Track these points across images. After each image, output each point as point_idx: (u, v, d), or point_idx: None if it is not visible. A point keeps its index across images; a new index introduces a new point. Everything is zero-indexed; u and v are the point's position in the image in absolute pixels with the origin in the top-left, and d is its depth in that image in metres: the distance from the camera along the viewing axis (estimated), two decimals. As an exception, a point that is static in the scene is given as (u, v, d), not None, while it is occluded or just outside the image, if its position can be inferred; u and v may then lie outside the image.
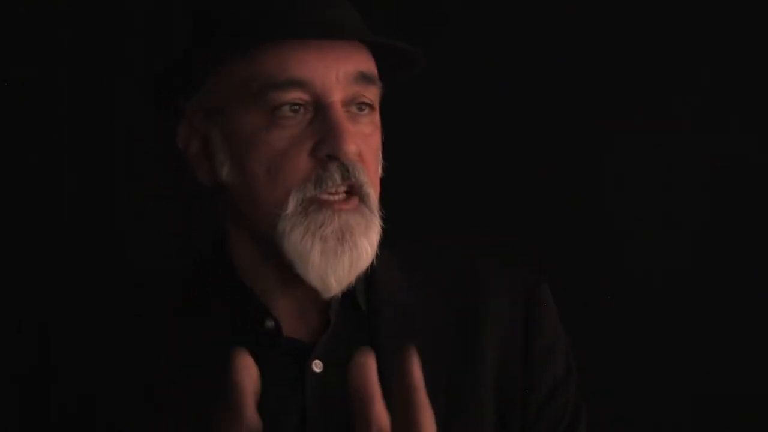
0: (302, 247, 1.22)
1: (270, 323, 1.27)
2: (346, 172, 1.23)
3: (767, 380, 1.90)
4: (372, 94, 1.27)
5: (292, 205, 1.22)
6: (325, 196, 1.23)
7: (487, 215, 1.91)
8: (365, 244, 1.24)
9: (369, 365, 0.95)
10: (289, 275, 1.26)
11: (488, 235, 1.87)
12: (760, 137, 1.92)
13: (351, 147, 1.22)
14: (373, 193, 1.26)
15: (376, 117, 1.29)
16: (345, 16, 1.27)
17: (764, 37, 1.92)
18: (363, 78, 1.25)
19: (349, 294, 1.28)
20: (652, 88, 1.92)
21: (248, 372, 0.95)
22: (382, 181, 1.30)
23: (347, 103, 1.25)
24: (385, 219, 1.28)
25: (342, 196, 1.24)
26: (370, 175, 1.26)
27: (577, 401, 1.34)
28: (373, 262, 1.27)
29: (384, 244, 1.27)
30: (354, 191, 1.24)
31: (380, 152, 1.30)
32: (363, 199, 1.24)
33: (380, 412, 0.96)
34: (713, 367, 1.90)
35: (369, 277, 1.29)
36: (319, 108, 1.23)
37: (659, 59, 1.92)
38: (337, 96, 1.23)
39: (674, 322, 1.91)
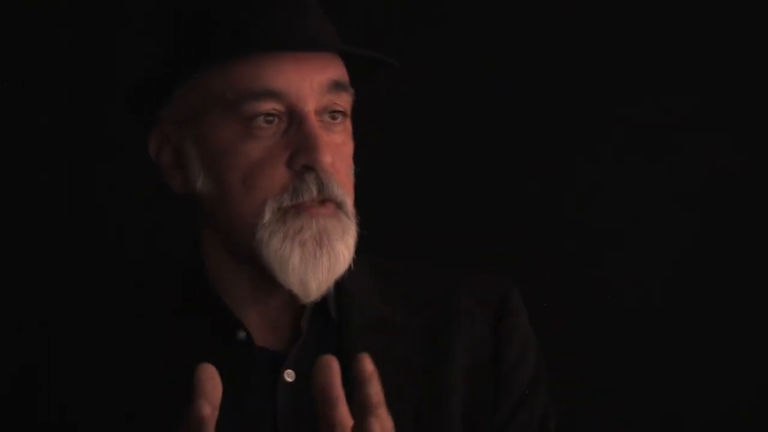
0: (282, 252, 1.23)
1: (242, 334, 1.28)
2: (321, 185, 1.23)
3: (757, 385, 1.91)
4: (344, 101, 1.28)
5: (268, 214, 1.23)
6: (301, 202, 1.23)
7: (480, 216, 1.91)
8: (342, 248, 1.25)
9: (332, 368, 0.98)
10: (262, 285, 1.27)
11: (473, 238, 1.88)
12: (751, 146, 1.92)
13: (327, 158, 1.23)
14: (348, 200, 1.27)
15: (348, 124, 1.30)
16: (317, 25, 1.27)
17: (754, 47, 1.92)
18: (336, 86, 1.26)
19: (320, 303, 1.29)
20: (649, 92, 1.92)
21: (212, 385, 0.97)
22: (364, 185, 1.31)
23: (321, 112, 1.26)
24: (363, 222, 1.28)
25: (317, 201, 1.24)
26: (344, 184, 1.26)
27: (546, 406, 1.34)
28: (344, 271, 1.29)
29: (357, 252, 1.28)
30: (330, 200, 1.25)
31: (352, 159, 1.30)
32: (339, 206, 1.25)
33: (343, 415, 0.99)
34: (709, 370, 1.90)
35: (340, 286, 1.30)
36: (294, 118, 1.24)
37: (657, 63, 1.92)
38: (311, 106, 1.24)
39: (672, 325, 1.91)
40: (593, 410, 1.88)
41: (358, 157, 1.34)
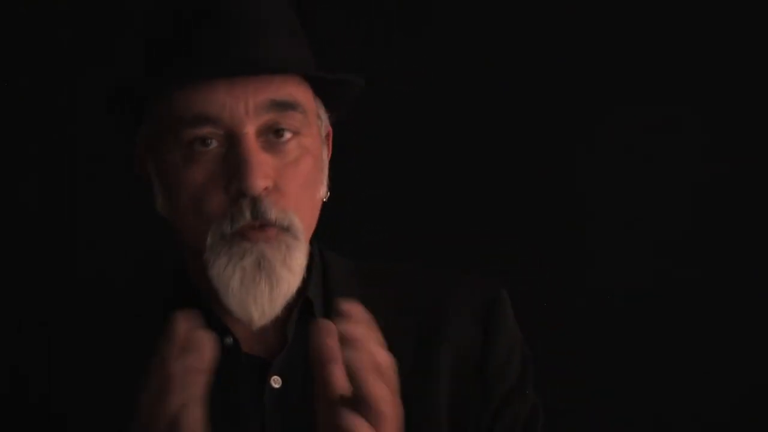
0: (224, 276, 1.22)
1: (229, 340, 1.28)
2: (255, 210, 1.21)
3: (756, 385, 1.91)
4: (293, 119, 1.24)
5: (211, 240, 1.22)
6: (241, 228, 1.22)
7: (479, 216, 1.91)
8: (285, 273, 1.23)
9: (328, 330, 1.03)
10: None
11: (473, 238, 1.88)
12: (750, 147, 1.92)
13: (258, 182, 1.20)
14: (296, 221, 1.24)
15: (306, 140, 1.26)
16: (259, 45, 1.24)
17: (751, 49, 1.92)
18: (278, 105, 1.23)
19: (307, 308, 1.30)
20: (648, 93, 1.92)
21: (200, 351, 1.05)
22: (365, 185, 1.30)
23: (263, 132, 1.23)
24: (364, 223, 1.28)
25: (257, 226, 1.22)
26: (290, 204, 1.23)
27: (533, 407, 1.35)
28: (330, 275, 1.31)
29: (347, 255, 1.28)
30: (269, 225, 1.23)
31: (316, 175, 1.28)
32: (285, 228, 1.23)
33: (339, 375, 1.03)
34: (708, 370, 1.91)
35: (327, 290, 1.30)
36: (232, 141, 1.22)
37: (657, 63, 1.92)
38: (249, 128, 1.21)
39: (671, 325, 1.92)
40: (593, 410, 1.89)
41: (359, 158, 1.33)
